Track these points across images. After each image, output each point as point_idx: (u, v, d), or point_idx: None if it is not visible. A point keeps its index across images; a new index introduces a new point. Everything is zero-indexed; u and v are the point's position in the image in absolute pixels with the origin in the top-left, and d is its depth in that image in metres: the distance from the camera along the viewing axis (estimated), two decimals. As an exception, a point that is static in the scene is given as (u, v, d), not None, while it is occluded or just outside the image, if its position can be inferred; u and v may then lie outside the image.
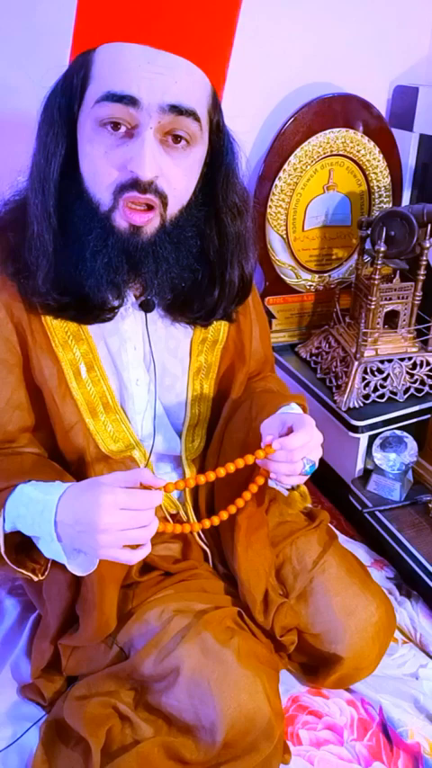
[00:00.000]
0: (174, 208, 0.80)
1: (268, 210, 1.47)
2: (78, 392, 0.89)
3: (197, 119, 0.76)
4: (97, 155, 0.75)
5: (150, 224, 0.78)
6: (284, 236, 1.52)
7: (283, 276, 1.57)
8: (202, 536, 1.03)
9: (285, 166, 1.43)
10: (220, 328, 1.00)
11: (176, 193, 0.79)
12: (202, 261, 0.88)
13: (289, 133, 1.41)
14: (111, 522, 0.72)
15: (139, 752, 0.82)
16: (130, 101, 0.72)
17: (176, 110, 0.74)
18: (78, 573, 0.80)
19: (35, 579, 0.82)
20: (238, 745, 0.82)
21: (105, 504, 0.72)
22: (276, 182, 1.44)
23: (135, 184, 0.75)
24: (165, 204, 0.78)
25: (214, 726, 0.81)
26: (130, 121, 0.74)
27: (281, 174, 1.44)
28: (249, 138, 1.45)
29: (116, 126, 0.74)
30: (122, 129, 0.74)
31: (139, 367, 0.93)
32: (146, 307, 0.90)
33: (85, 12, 0.76)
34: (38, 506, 0.77)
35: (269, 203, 1.46)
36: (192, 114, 0.75)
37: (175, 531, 0.84)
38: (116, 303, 0.87)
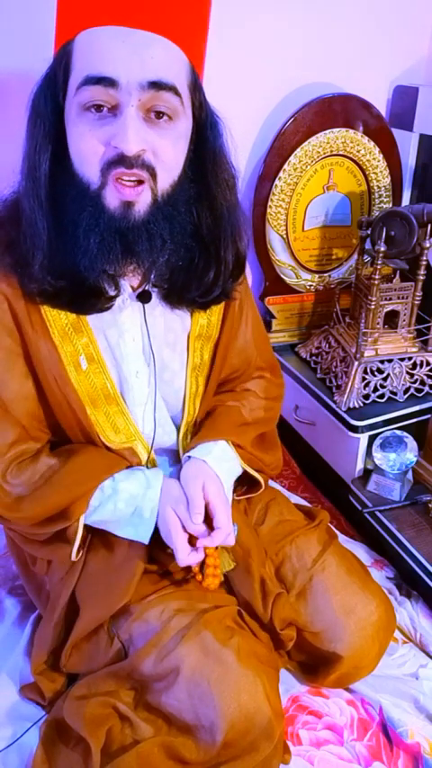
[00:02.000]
0: (164, 182, 0.80)
1: (268, 210, 1.47)
2: (79, 383, 0.90)
3: (177, 93, 0.76)
4: (82, 134, 0.76)
5: (142, 199, 0.78)
6: (284, 236, 1.52)
7: (283, 276, 1.57)
8: None
9: (285, 166, 1.43)
10: (214, 324, 1.00)
11: (165, 166, 0.79)
12: (197, 240, 0.88)
13: (289, 133, 1.41)
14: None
15: (139, 752, 0.82)
16: (108, 82, 0.73)
17: (156, 85, 0.74)
18: (146, 541, 0.93)
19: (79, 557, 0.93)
20: (238, 745, 0.82)
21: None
22: (276, 182, 1.44)
23: (121, 160, 0.75)
24: (154, 177, 0.78)
25: (214, 725, 0.81)
26: (110, 102, 0.74)
27: (281, 174, 1.44)
28: (249, 138, 1.45)
29: (99, 108, 0.75)
30: (104, 110, 0.75)
31: (138, 359, 0.93)
32: (143, 298, 0.90)
33: (63, 4, 0.77)
34: (140, 501, 0.91)
35: (269, 203, 1.46)
36: (172, 89, 0.75)
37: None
38: (112, 293, 0.87)
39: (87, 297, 0.86)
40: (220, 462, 0.96)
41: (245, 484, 1.07)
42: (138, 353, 0.93)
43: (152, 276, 0.88)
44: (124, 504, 0.90)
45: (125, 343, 0.92)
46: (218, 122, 0.85)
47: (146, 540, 0.92)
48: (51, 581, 0.98)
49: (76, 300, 0.86)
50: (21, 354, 0.88)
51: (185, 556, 0.88)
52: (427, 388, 1.45)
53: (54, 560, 0.97)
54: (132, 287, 0.91)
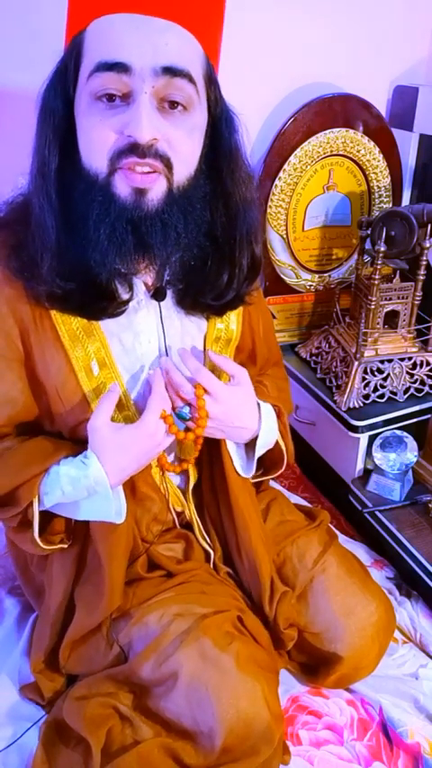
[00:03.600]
0: (181, 174, 0.77)
1: (268, 210, 1.47)
2: (90, 389, 0.87)
3: (192, 81, 0.74)
4: (93, 124, 0.74)
5: (156, 188, 0.76)
6: (284, 236, 1.51)
7: (283, 276, 1.57)
8: (206, 536, 1.03)
9: (285, 166, 1.43)
10: (232, 327, 0.99)
11: (181, 157, 0.76)
12: (210, 240, 0.86)
13: (289, 133, 1.41)
14: (157, 439, 0.85)
15: (139, 752, 0.82)
16: (122, 68, 0.71)
17: (170, 71, 0.72)
18: (119, 521, 0.87)
19: (65, 546, 0.91)
20: (238, 750, 0.82)
21: (143, 438, 0.84)
22: (276, 182, 1.44)
23: (134, 149, 0.73)
24: (170, 168, 0.76)
25: (213, 731, 0.81)
26: (123, 89, 0.72)
27: (281, 174, 1.44)
28: (249, 138, 1.45)
29: (111, 98, 0.73)
30: (117, 99, 0.73)
31: (155, 361, 0.92)
32: (158, 295, 0.88)
33: None
34: (85, 481, 0.83)
35: (269, 203, 1.46)
36: (186, 76, 0.73)
37: (178, 437, 0.89)
38: (125, 296, 0.85)
39: (98, 300, 0.84)
40: (268, 416, 0.96)
41: (260, 467, 1.05)
42: (154, 355, 0.92)
43: (166, 274, 0.86)
44: (71, 487, 0.84)
45: (141, 345, 0.90)
46: (233, 118, 0.83)
47: (116, 519, 0.86)
48: (48, 579, 0.97)
49: (85, 304, 0.83)
50: (16, 360, 0.86)
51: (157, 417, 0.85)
52: (427, 388, 1.45)
53: (51, 559, 0.95)
54: (146, 283, 0.88)
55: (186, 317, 0.93)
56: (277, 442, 1.01)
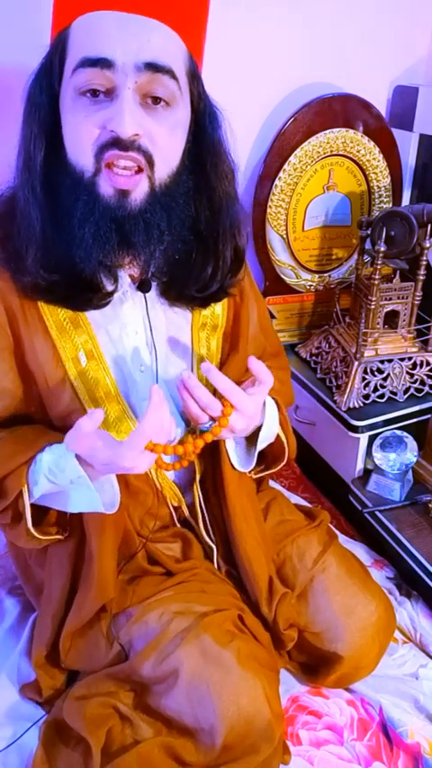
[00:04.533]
0: (162, 171, 0.79)
1: (268, 210, 1.47)
2: (78, 381, 0.88)
3: (174, 77, 0.76)
4: (77, 120, 0.75)
5: (139, 188, 0.77)
6: (284, 236, 1.52)
7: (283, 276, 1.57)
8: (210, 532, 1.03)
9: (285, 166, 1.43)
10: (218, 314, 0.99)
11: (163, 153, 0.78)
12: (194, 234, 0.87)
13: (289, 133, 1.41)
14: (134, 468, 0.80)
15: (139, 752, 0.82)
16: (105, 63, 0.73)
17: (152, 67, 0.74)
18: (111, 511, 0.85)
19: (62, 538, 0.90)
20: (238, 748, 0.82)
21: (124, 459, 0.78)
22: (276, 182, 1.44)
23: (116, 143, 0.74)
24: (151, 165, 0.77)
25: (213, 729, 0.81)
26: (106, 85, 0.74)
27: (281, 174, 1.44)
28: (249, 138, 1.45)
29: (95, 93, 0.75)
30: (100, 94, 0.75)
31: (142, 352, 0.92)
32: (143, 287, 0.89)
33: None
34: (67, 474, 0.82)
35: (269, 203, 1.46)
36: (168, 72, 0.75)
37: (177, 452, 0.85)
38: (110, 288, 0.86)
39: (82, 292, 0.85)
40: (270, 408, 0.95)
41: (262, 462, 1.05)
42: (141, 347, 0.92)
43: (151, 266, 0.87)
44: (52, 475, 0.83)
45: (128, 337, 0.91)
46: (217, 113, 0.84)
47: (107, 509, 0.84)
48: (47, 573, 0.96)
49: (70, 296, 0.85)
50: (6, 348, 0.87)
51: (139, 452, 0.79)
52: (427, 388, 1.45)
53: (50, 554, 0.96)
54: (132, 276, 0.89)
55: (171, 309, 0.94)
56: (278, 436, 1.01)
